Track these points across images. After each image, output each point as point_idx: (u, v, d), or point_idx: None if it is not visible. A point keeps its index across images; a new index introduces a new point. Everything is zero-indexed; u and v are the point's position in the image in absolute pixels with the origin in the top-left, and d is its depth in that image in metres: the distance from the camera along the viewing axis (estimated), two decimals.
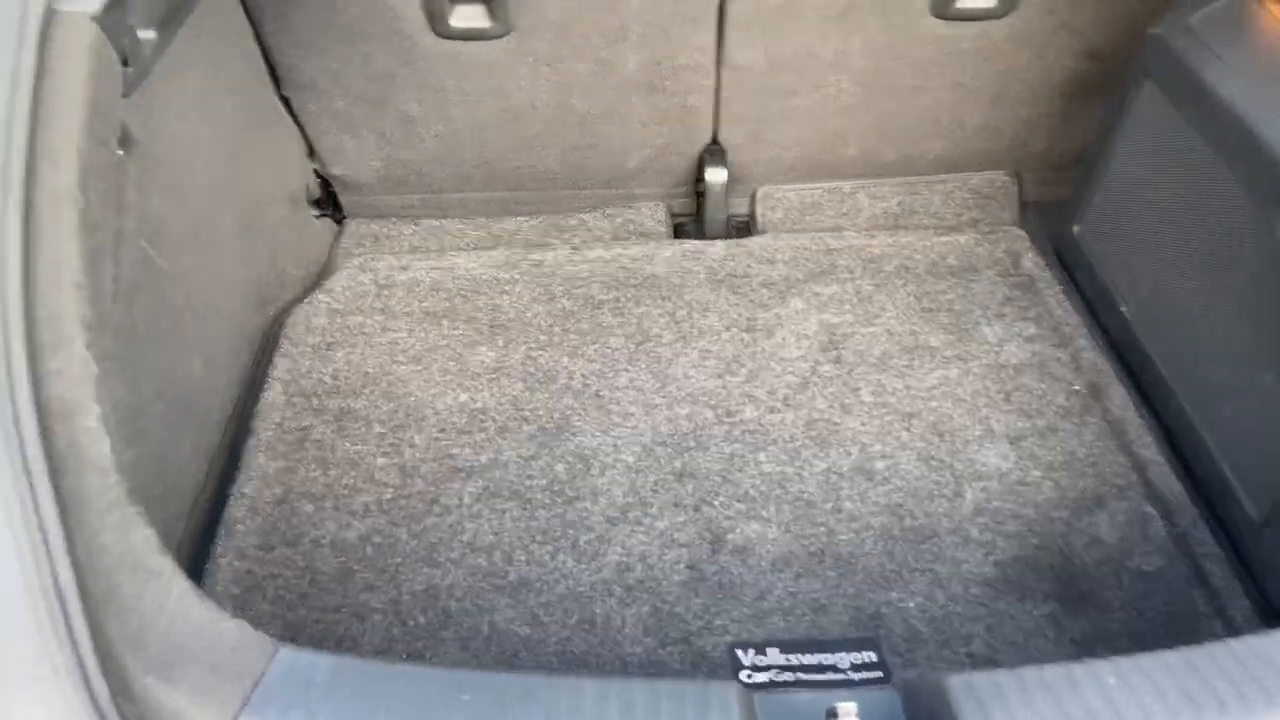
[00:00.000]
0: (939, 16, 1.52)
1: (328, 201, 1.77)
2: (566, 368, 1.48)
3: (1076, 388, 1.43)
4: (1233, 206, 1.21)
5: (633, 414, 1.40)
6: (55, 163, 0.85)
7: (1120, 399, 1.39)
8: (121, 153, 1.11)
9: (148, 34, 1.10)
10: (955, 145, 1.72)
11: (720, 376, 1.46)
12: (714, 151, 1.72)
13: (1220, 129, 1.22)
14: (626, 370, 1.47)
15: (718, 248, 1.69)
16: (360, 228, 1.78)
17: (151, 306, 1.17)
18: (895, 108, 1.66)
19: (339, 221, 1.80)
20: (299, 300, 1.59)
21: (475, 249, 1.73)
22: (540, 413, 1.40)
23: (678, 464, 1.33)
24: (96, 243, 0.89)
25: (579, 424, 1.39)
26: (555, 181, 1.76)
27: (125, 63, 1.05)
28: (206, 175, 1.35)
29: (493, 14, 1.49)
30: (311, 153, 1.69)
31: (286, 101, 1.60)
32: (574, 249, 1.70)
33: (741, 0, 1.50)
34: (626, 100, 1.63)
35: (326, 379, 1.46)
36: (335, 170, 1.72)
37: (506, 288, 1.64)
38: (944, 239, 1.70)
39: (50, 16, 0.89)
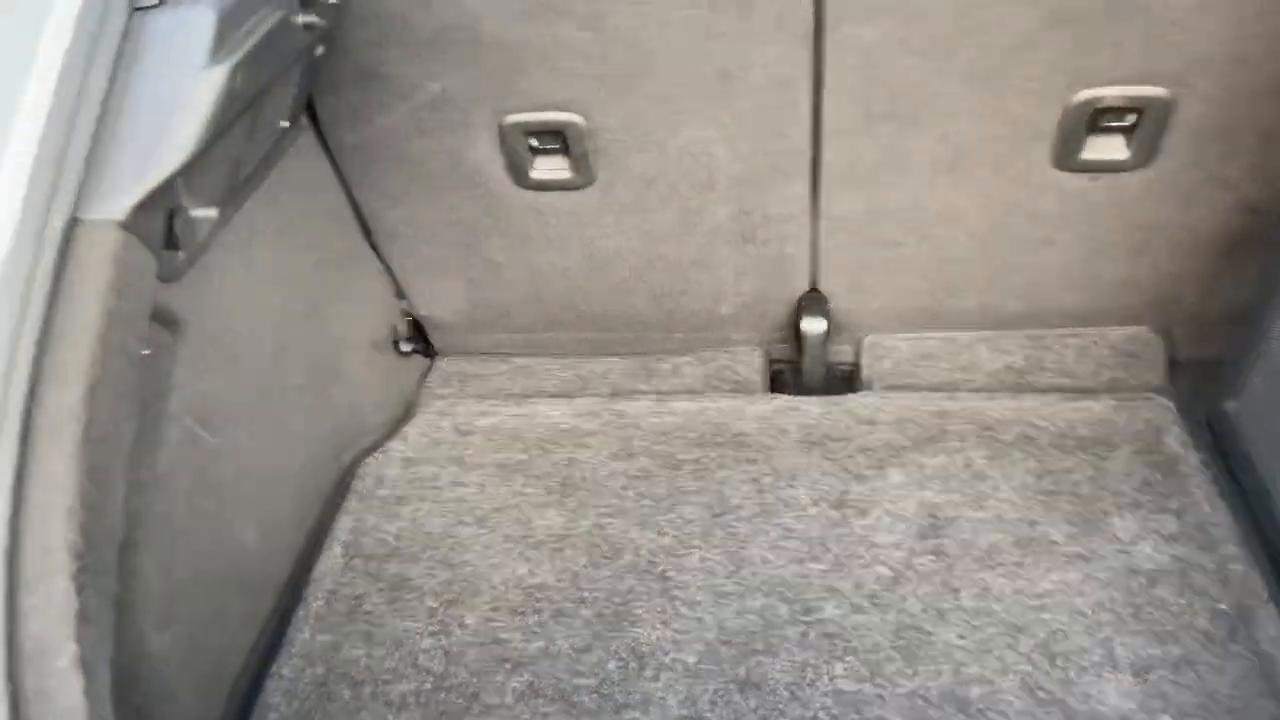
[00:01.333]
0: (1062, 169, 1.36)
1: (418, 338, 1.75)
2: (635, 541, 1.37)
3: (1222, 607, 1.21)
4: None
5: (699, 602, 1.28)
6: (62, 381, 0.83)
7: (1275, 629, 1.16)
8: (166, 338, 1.10)
9: (206, 213, 1.10)
10: (1091, 299, 1.53)
11: (801, 562, 1.32)
12: (813, 300, 1.60)
13: None
14: (699, 548, 1.36)
15: (814, 405, 1.56)
16: (449, 365, 1.75)
17: (195, 486, 1.15)
18: (1018, 261, 1.49)
19: (429, 357, 1.77)
20: (377, 445, 1.56)
21: (560, 394, 1.66)
22: (600, 595, 1.30)
23: (742, 670, 1.20)
24: (105, 453, 0.86)
25: (640, 611, 1.28)
26: (646, 324, 1.68)
27: (175, 246, 1.05)
28: (274, 339, 1.34)
29: (575, 166, 1.43)
30: (401, 295, 1.68)
31: (375, 247, 1.59)
32: (660, 398, 1.61)
33: (836, 152, 1.38)
34: (717, 249, 1.54)
35: (389, 539, 1.41)
36: (424, 311, 1.70)
37: (586, 439, 1.56)
38: (1074, 404, 1.50)
39: (73, 226, 0.88)
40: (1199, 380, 1.53)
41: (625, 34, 1.27)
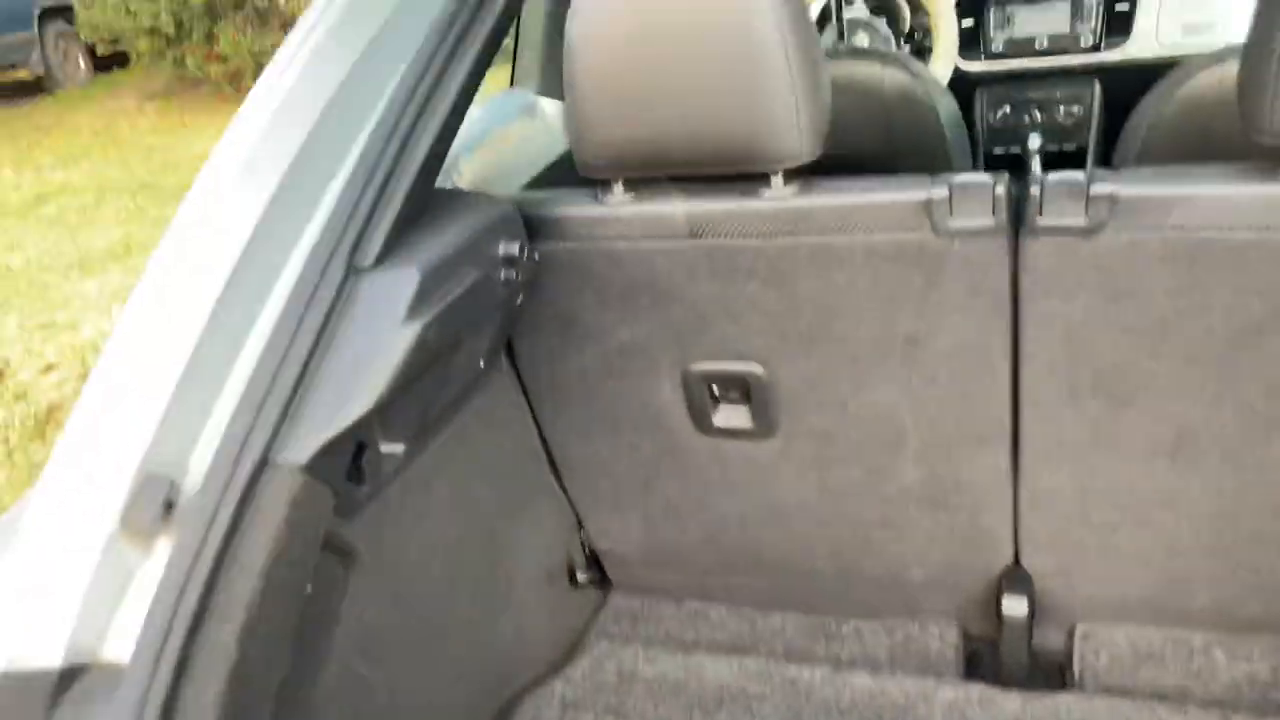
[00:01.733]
0: None
1: (594, 569, 1.74)
2: None
3: None
4: None
5: None
6: (221, 618, 0.87)
7: None
8: (339, 570, 1.15)
9: (394, 448, 1.16)
10: None
11: None
12: (1015, 577, 1.46)
13: None
14: None
15: (1015, 701, 1.39)
16: (621, 601, 1.72)
17: None
18: (1259, 560, 1.30)
19: (603, 590, 1.75)
20: (541, 680, 1.54)
21: (731, 649, 1.58)
22: None
23: None
24: (253, 693, 0.89)
25: None
26: (827, 579, 1.59)
27: (360, 480, 1.10)
28: (446, 570, 1.37)
29: (756, 416, 1.42)
30: (580, 526, 1.69)
31: (558, 479, 1.63)
32: (836, 668, 1.50)
33: (1037, 425, 1.29)
34: (905, 512, 1.45)
35: None
36: (601, 545, 1.70)
37: (752, 705, 1.46)
38: None
39: (261, 468, 0.94)
40: None
41: (809, 294, 1.26)
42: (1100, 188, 1.08)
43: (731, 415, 1.43)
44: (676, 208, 1.25)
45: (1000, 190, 1.13)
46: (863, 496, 1.46)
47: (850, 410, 1.36)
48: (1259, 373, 1.14)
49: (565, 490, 1.63)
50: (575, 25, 1.17)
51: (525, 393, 1.53)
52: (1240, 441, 1.21)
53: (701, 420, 1.45)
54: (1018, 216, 1.15)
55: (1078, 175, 1.09)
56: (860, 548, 1.52)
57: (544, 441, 1.58)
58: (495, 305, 1.26)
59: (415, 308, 1.06)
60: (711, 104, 1.14)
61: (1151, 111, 1.67)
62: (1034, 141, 2.86)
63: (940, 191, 1.15)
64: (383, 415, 1.08)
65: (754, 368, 1.36)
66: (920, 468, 1.39)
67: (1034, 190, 1.12)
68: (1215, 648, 1.41)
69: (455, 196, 1.28)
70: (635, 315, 1.37)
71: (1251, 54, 1.03)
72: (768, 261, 1.25)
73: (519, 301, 1.34)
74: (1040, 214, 1.12)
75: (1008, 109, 2.96)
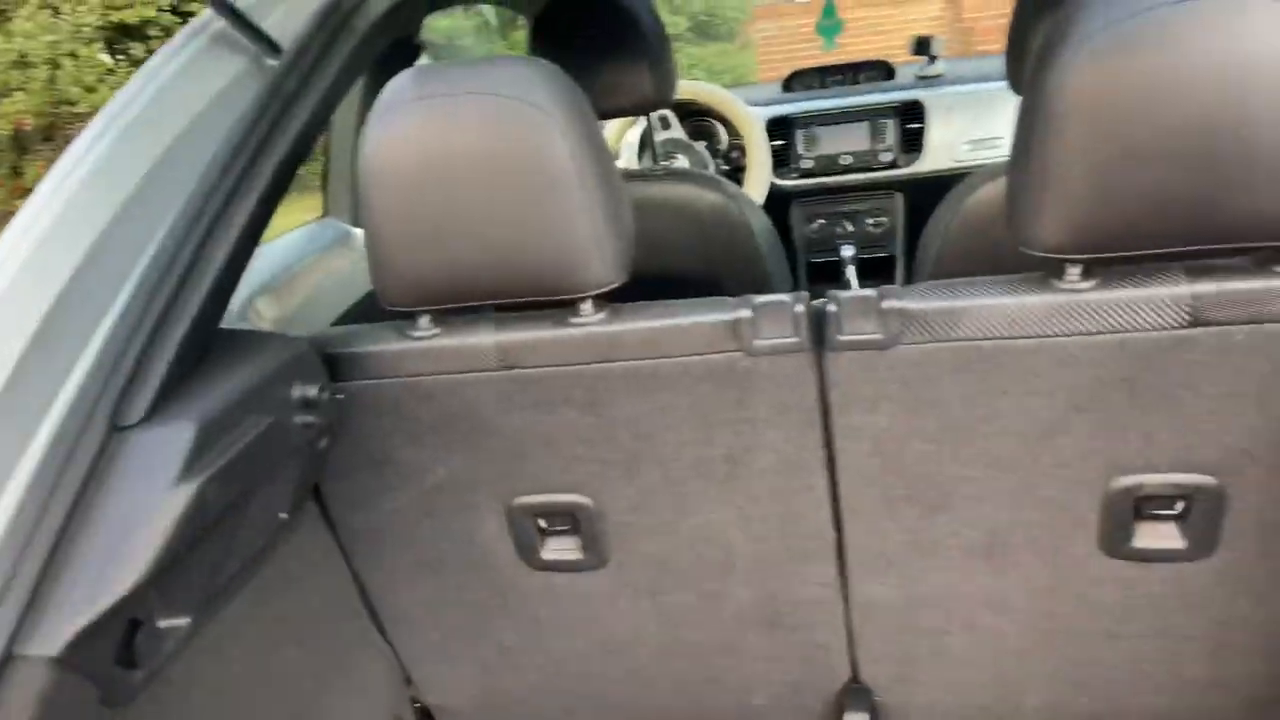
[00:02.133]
0: (1113, 556, 1.23)
1: None
2: None
3: None
4: None
5: None
6: None
7: None
8: None
9: (176, 622, 1.04)
10: (1174, 700, 1.34)
11: None
12: (855, 692, 1.44)
13: None
14: None
15: None
16: None
17: None
18: (1083, 655, 1.33)
19: None
20: None
21: None
22: None
23: None
24: None
25: None
26: (673, 716, 1.53)
27: (133, 664, 0.98)
28: None
29: (586, 547, 1.36)
30: (408, 680, 1.57)
31: (382, 632, 1.52)
32: None
33: (859, 535, 1.29)
34: (743, 635, 1.41)
35: None
36: (432, 699, 1.58)
37: None
38: None
39: (5, 663, 0.82)
40: None
41: (627, 419, 1.24)
42: (891, 303, 1.12)
43: (561, 548, 1.38)
44: (486, 338, 1.22)
45: (800, 309, 1.15)
46: (700, 622, 1.41)
47: (680, 534, 1.33)
48: (1055, 472, 1.18)
49: (391, 643, 1.52)
50: (368, 151, 1.13)
51: (338, 540, 1.43)
52: (1048, 539, 1.24)
53: (530, 555, 1.39)
54: (819, 333, 1.17)
55: (870, 292, 1.12)
56: (703, 677, 1.47)
57: (363, 592, 1.48)
58: (292, 451, 1.18)
59: (191, 465, 0.97)
60: (512, 232, 1.13)
61: (942, 223, 1.77)
62: (847, 250, 3.01)
63: (745, 312, 1.16)
64: (160, 586, 0.98)
65: (580, 498, 1.32)
66: (752, 587, 1.36)
67: (831, 308, 1.14)
68: None
69: (241, 338, 1.20)
70: (451, 451, 1.31)
71: (1013, 173, 1.09)
72: (583, 388, 1.22)
73: (323, 445, 1.26)
74: (840, 331, 1.14)
75: (822, 221, 3.11)
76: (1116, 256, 1.04)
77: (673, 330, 1.18)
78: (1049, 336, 1.09)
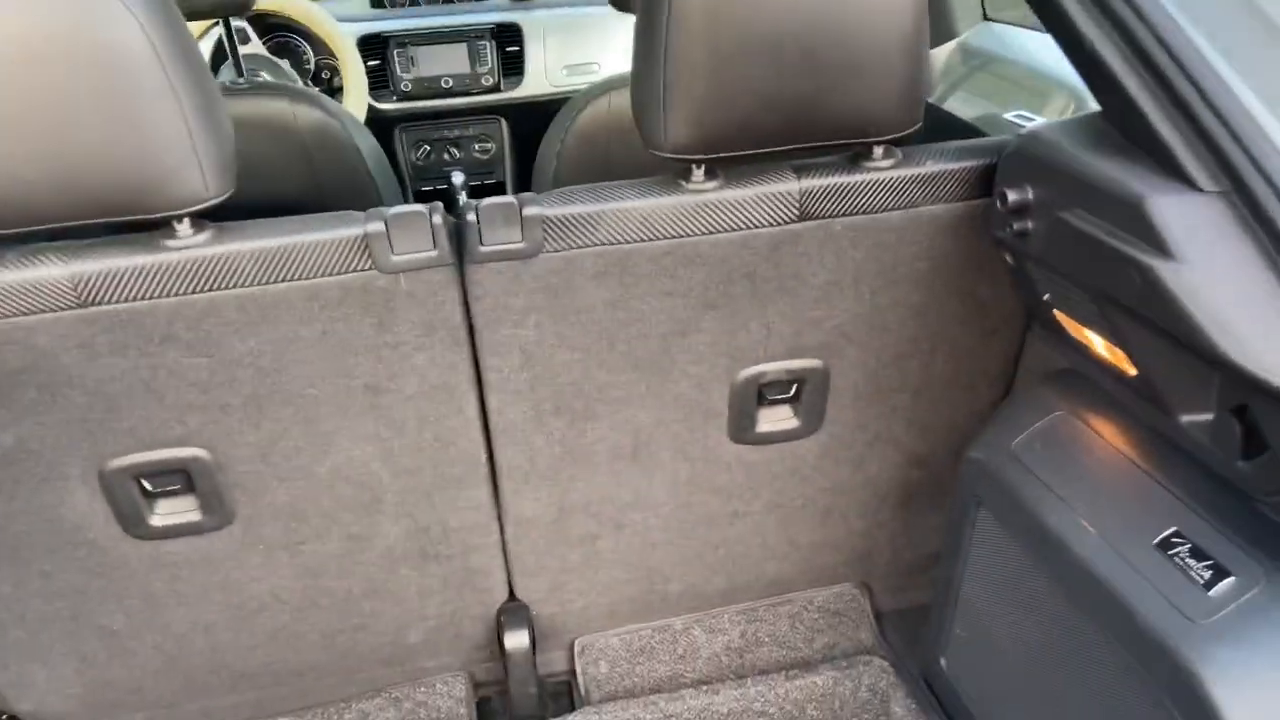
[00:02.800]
0: (739, 442, 1.33)
1: None
2: None
3: None
4: (1075, 634, 0.99)
5: None
6: None
7: None
8: None
9: None
10: (791, 565, 1.49)
11: None
12: (511, 610, 1.43)
13: (1053, 559, 1.04)
14: None
15: None
16: None
17: None
18: (714, 537, 1.43)
19: None
20: None
21: None
22: None
23: None
24: None
25: None
26: (321, 670, 1.42)
27: None
28: None
29: (205, 506, 1.20)
30: None
31: None
32: None
33: (511, 453, 1.27)
34: (394, 573, 1.34)
35: None
36: (24, 706, 1.33)
37: None
38: (798, 683, 1.42)
39: None
40: (908, 636, 1.51)
41: (246, 355, 1.10)
42: (532, 210, 1.09)
43: (175, 509, 1.20)
44: (54, 270, 1.00)
45: (438, 219, 1.08)
46: (346, 569, 1.32)
47: (317, 477, 1.22)
48: (690, 369, 1.24)
49: None
50: None
51: None
52: (685, 434, 1.31)
53: (135, 524, 1.19)
54: (460, 246, 1.11)
55: (510, 200, 1.08)
56: (352, 625, 1.38)
57: None
58: None
59: None
60: (78, 138, 0.93)
61: (556, 142, 1.78)
62: (458, 177, 2.95)
63: (376, 225, 1.07)
64: None
65: (194, 450, 1.16)
66: (402, 522, 1.29)
67: (470, 217, 1.08)
68: (694, 628, 1.53)
69: None
70: (18, 413, 1.08)
71: (637, 83, 1.10)
72: (187, 323, 1.06)
73: None
74: (480, 242, 1.09)
75: (428, 148, 3.02)
76: (734, 156, 1.09)
77: (295, 249, 1.05)
78: (680, 237, 1.13)
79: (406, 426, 1.21)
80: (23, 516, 1.16)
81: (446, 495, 1.29)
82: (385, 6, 3.07)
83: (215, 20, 2.51)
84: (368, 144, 1.93)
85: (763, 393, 1.29)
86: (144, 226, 1.03)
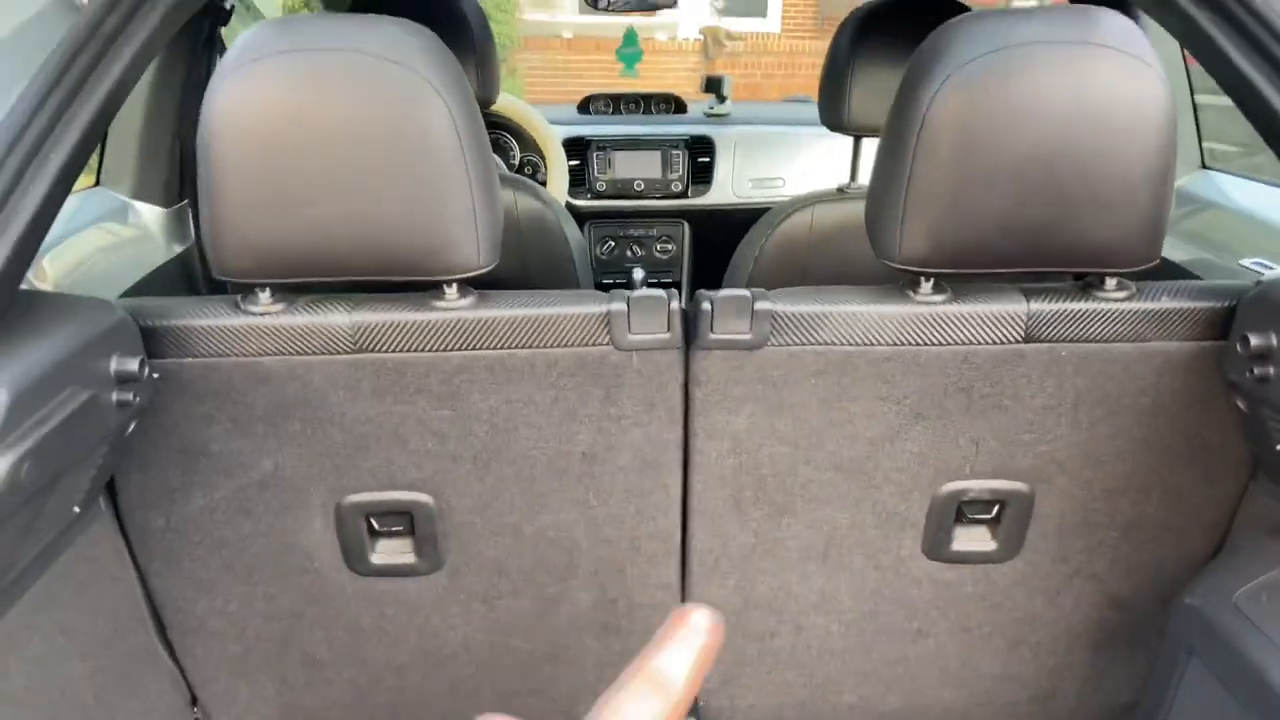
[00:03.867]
0: (932, 558, 1.32)
1: None
2: None
3: None
4: None
5: None
6: None
7: None
8: None
9: None
10: (970, 695, 1.45)
11: None
12: None
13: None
14: None
15: None
16: None
17: None
18: (894, 653, 1.41)
19: None
20: None
21: None
22: None
23: None
24: None
25: None
26: None
27: None
28: None
29: (420, 550, 1.28)
30: (195, 701, 1.40)
31: (169, 645, 1.34)
32: None
33: (706, 537, 1.30)
34: (578, 640, 1.38)
35: None
36: None
37: None
38: None
39: None
40: None
41: (484, 411, 1.18)
42: (763, 305, 1.15)
43: (393, 550, 1.29)
44: (340, 318, 1.12)
45: (675, 305, 1.16)
46: (533, 629, 1.37)
47: (524, 535, 1.28)
48: (893, 476, 1.26)
49: (178, 659, 1.35)
50: (216, 105, 1.02)
51: (129, 543, 1.25)
52: (879, 541, 1.31)
53: (357, 559, 1.28)
54: (688, 331, 1.18)
55: (744, 293, 1.15)
56: (528, 688, 1.42)
57: (150, 601, 1.30)
58: (104, 435, 1.02)
59: (3, 436, 0.82)
60: (379, 205, 1.05)
61: (755, 247, 1.85)
62: (638, 274, 3.08)
63: (619, 305, 1.15)
64: None
65: (420, 496, 1.24)
66: (592, 591, 1.34)
67: (705, 306, 1.15)
68: None
69: (48, 300, 1.04)
70: (281, 442, 1.19)
71: (875, 195, 1.16)
72: (441, 378, 1.16)
73: (130, 431, 1.10)
74: (711, 329, 1.16)
75: (612, 244, 3.17)
76: (965, 273, 1.13)
77: (545, 320, 1.14)
78: (902, 345, 1.17)
79: (613, 497, 1.26)
80: (263, 539, 1.26)
81: (638, 570, 1.33)
82: (590, 113, 3.28)
83: None
84: (574, 234, 2.06)
85: (963, 510, 1.29)
86: (417, 287, 1.14)
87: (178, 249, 1.86)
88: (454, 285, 1.13)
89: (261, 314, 1.12)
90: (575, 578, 1.32)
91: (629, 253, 3.17)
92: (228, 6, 1.72)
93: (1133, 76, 1.03)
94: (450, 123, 1.04)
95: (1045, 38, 1.04)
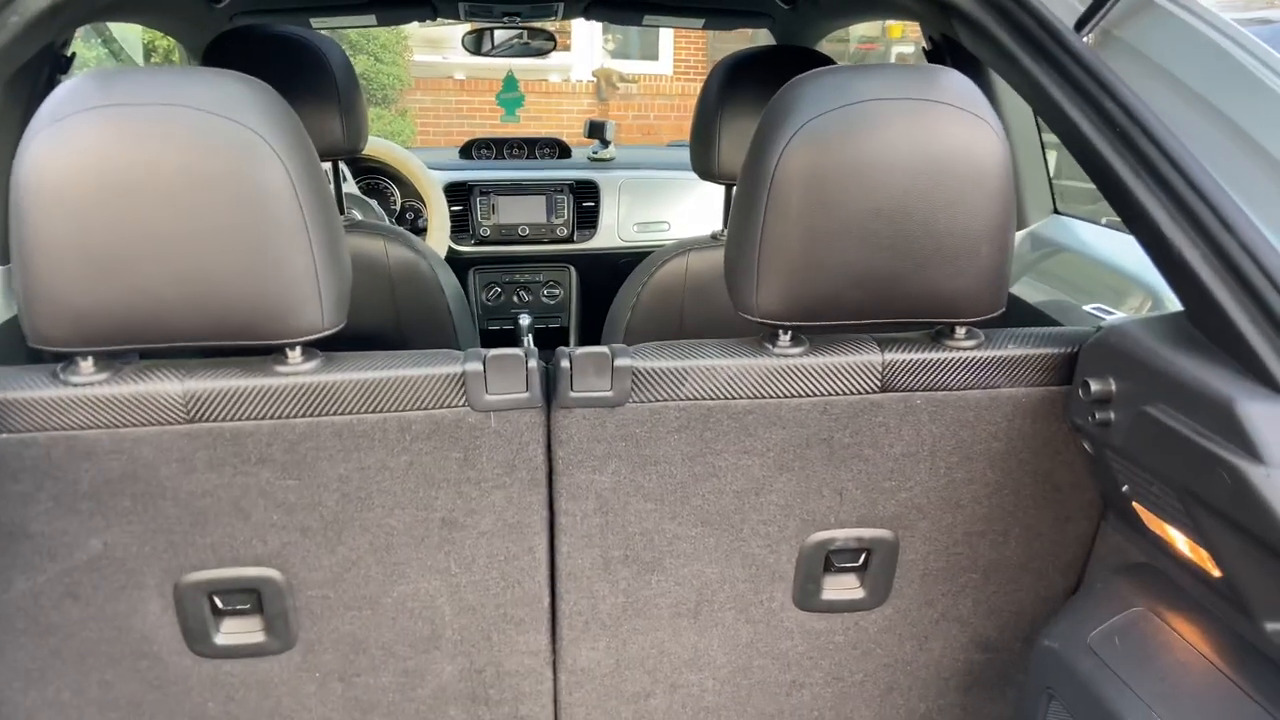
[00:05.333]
0: (803, 608, 1.31)
1: None
2: None
3: None
4: None
5: None
6: None
7: None
8: None
9: None
10: None
11: None
12: None
13: None
14: None
15: None
16: None
17: None
18: (770, 707, 1.39)
19: None
20: None
21: None
22: None
23: None
24: None
25: None
26: None
27: None
28: None
29: (269, 628, 1.21)
30: None
31: None
32: None
33: (575, 599, 1.27)
34: (443, 713, 1.32)
35: None
36: None
37: None
38: None
39: None
40: None
41: (335, 480, 1.13)
42: (623, 361, 1.13)
43: (239, 630, 1.21)
44: (171, 386, 1.05)
45: (533, 364, 1.13)
46: (395, 705, 1.30)
47: (382, 607, 1.22)
48: (760, 528, 1.25)
49: None
50: (28, 160, 0.95)
51: None
52: (749, 595, 1.30)
53: (200, 641, 1.20)
54: (549, 390, 1.15)
55: (603, 350, 1.13)
56: None
57: None
58: None
59: None
60: (212, 266, 0.99)
61: (631, 295, 1.84)
62: (524, 319, 3.05)
63: (475, 365, 1.11)
64: None
65: (267, 571, 1.17)
66: (458, 661, 1.29)
67: (564, 364, 1.13)
68: None
69: None
70: (110, 520, 1.11)
71: (732, 247, 1.16)
72: (284, 445, 1.10)
73: None
74: (571, 388, 1.13)
75: (498, 290, 3.13)
76: (821, 325, 1.13)
77: (395, 382, 1.10)
78: (762, 398, 1.16)
79: (475, 563, 1.22)
80: (94, 623, 1.17)
81: (505, 636, 1.28)
82: (473, 158, 3.26)
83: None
84: (450, 282, 2.01)
85: (830, 559, 1.29)
86: (256, 351, 1.09)
87: (10, 313, 1.75)
88: (296, 349, 1.08)
89: (84, 384, 1.04)
90: (439, 649, 1.27)
91: (515, 298, 3.14)
92: (68, 54, 1.63)
93: (972, 131, 1.05)
94: (285, 176, 0.99)
95: (888, 94, 1.06)
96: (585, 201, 3.09)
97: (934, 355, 1.16)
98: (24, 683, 1.20)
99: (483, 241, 3.04)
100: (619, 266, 3.05)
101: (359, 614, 1.22)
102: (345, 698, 1.28)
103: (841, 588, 1.31)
